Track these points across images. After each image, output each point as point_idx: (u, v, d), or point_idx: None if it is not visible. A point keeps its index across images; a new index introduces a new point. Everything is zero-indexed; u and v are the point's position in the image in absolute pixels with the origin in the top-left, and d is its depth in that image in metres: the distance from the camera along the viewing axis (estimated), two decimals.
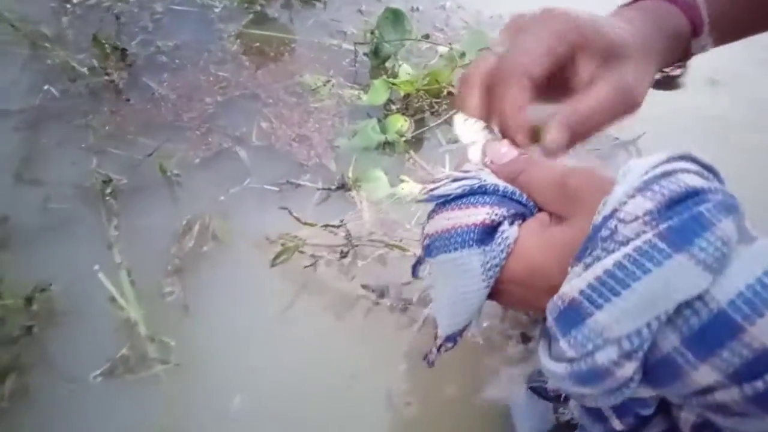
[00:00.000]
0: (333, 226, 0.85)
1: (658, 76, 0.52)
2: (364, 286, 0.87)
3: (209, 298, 0.87)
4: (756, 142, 1.16)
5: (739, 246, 0.30)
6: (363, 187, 0.99)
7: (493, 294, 0.38)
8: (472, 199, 0.38)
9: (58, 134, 1.02)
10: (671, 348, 0.30)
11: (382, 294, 0.87)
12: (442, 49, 1.17)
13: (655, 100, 0.53)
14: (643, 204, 0.31)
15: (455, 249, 0.37)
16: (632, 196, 0.31)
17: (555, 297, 0.33)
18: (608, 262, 0.30)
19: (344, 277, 0.89)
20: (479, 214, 0.37)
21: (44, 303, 0.83)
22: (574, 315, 0.32)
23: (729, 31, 0.50)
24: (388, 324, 0.86)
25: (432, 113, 1.11)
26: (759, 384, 0.28)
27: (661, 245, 0.29)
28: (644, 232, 0.30)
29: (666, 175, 0.32)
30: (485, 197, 0.37)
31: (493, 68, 0.42)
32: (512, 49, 0.41)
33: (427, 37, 1.18)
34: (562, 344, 0.32)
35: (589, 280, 0.31)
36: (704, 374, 0.30)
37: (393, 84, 1.09)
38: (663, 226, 0.30)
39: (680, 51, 0.49)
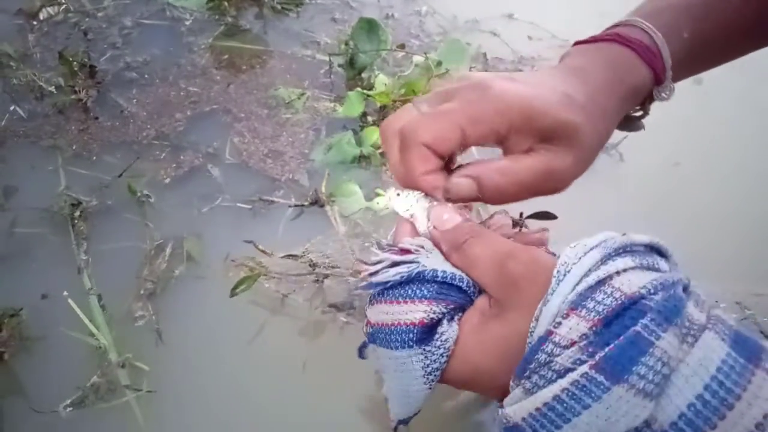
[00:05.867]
0: (294, 256, 0.83)
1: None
2: (331, 306, 0.85)
3: (182, 323, 0.85)
4: (741, 140, 1.16)
5: (682, 347, 0.29)
6: (337, 202, 0.97)
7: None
8: (410, 291, 0.36)
9: (24, 156, 0.99)
10: None
11: (352, 307, 0.85)
12: (418, 59, 1.15)
13: None
14: (577, 327, 0.30)
15: (396, 348, 0.36)
16: (566, 316, 0.30)
17: (500, 414, 0.33)
18: (547, 394, 0.30)
19: (316, 298, 0.87)
20: (417, 311, 0.36)
21: (14, 329, 0.82)
22: None
23: (687, 69, 0.48)
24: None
25: None
26: None
27: (599, 378, 0.29)
28: (581, 361, 0.29)
29: (600, 283, 0.31)
30: (423, 288, 0.36)
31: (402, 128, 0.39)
32: (424, 117, 0.38)
33: (402, 47, 1.16)
34: None
35: (529, 409, 0.31)
36: None
37: (368, 95, 1.07)
38: (600, 355, 0.29)
39: (640, 100, 0.46)
